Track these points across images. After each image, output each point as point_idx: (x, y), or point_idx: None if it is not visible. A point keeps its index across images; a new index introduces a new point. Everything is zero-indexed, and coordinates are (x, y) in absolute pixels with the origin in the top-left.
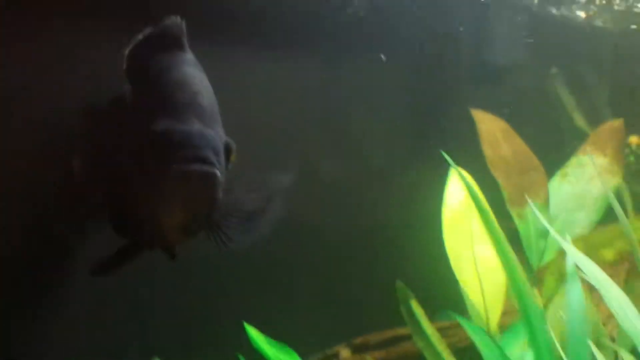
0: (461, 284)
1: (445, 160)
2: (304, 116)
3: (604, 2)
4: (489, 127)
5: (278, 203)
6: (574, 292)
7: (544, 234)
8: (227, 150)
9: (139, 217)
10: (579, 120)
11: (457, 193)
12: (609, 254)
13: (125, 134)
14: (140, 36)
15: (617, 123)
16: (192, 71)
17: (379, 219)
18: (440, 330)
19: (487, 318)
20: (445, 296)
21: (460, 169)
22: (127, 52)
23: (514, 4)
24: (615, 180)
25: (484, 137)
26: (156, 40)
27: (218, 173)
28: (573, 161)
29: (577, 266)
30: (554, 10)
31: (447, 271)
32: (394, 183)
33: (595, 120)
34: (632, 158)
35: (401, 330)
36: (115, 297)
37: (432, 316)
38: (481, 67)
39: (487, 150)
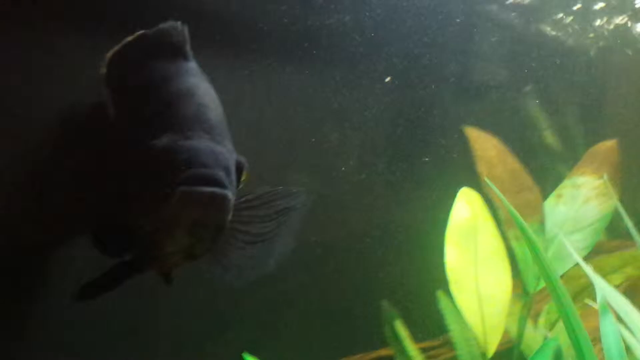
0: (459, 307)
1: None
2: (283, 128)
3: (582, 23)
4: (484, 145)
5: (291, 226)
6: (608, 324)
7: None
8: (239, 169)
9: (134, 239)
10: (550, 138)
11: (464, 213)
12: (617, 279)
13: (111, 147)
14: (128, 39)
15: (611, 143)
16: (197, 82)
17: (369, 235)
18: (424, 350)
19: (485, 342)
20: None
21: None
22: (110, 55)
23: (496, 20)
24: (612, 202)
25: (479, 156)
26: (152, 45)
27: (230, 195)
28: (567, 182)
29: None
30: (533, 28)
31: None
32: (381, 199)
33: (566, 138)
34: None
35: (384, 352)
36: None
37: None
38: (463, 83)
39: (483, 169)
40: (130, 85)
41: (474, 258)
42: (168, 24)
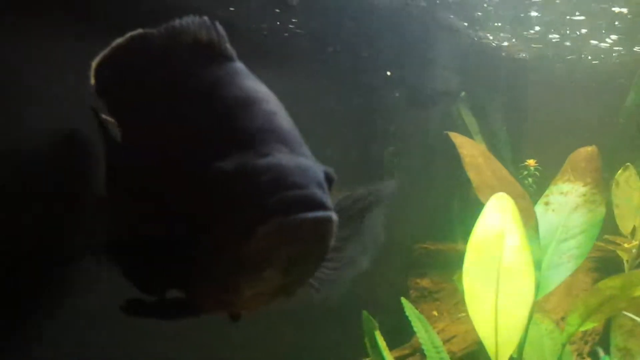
0: (472, 318)
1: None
2: None
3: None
4: (471, 151)
5: (374, 221)
6: None
7: (538, 264)
8: (328, 182)
9: (201, 282)
10: (480, 142)
11: (493, 221)
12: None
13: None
14: (128, 41)
15: (591, 149)
16: (254, 85)
17: None
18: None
19: (497, 356)
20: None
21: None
22: (99, 61)
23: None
24: (600, 210)
25: (468, 162)
26: (179, 44)
27: (334, 217)
28: (553, 189)
29: None
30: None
31: None
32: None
33: (492, 141)
34: (530, 180)
35: None
36: None
37: None
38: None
39: (473, 175)
40: (158, 96)
41: (497, 269)
42: (193, 21)
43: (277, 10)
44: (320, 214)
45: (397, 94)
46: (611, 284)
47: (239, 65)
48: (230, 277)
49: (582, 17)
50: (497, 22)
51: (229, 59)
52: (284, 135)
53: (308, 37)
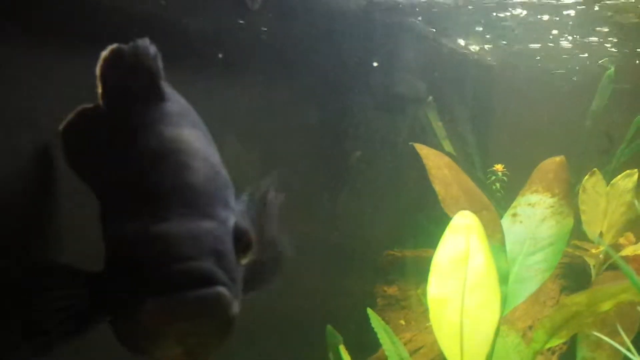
0: (437, 337)
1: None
2: None
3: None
4: (436, 163)
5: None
6: None
7: (505, 279)
8: (240, 240)
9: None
10: (447, 147)
11: (458, 238)
12: (606, 306)
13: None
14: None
15: (559, 159)
16: (178, 131)
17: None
18: None
19: None
20: None
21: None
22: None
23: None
24: (567, 221)
25: (434, 175)
26: (115, 80)
27: (225, 291)
28: (521, 200)
29: None
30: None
31: None
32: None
33: (460, 146)
34: (497, 185)
35: None
36: None
37: None
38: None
39: (439, 188)
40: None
41: (461, 288)
42: (135, 47)
43: (236, 16)
44: (206, 291)
45: (364, 99)
46: (577, 299)
47: (169, 106)
48: (132, 341)
49: (549, 20)
50: (466, 29)
51: (159, 97)
52: (192, 194)
53: (269, 42)
